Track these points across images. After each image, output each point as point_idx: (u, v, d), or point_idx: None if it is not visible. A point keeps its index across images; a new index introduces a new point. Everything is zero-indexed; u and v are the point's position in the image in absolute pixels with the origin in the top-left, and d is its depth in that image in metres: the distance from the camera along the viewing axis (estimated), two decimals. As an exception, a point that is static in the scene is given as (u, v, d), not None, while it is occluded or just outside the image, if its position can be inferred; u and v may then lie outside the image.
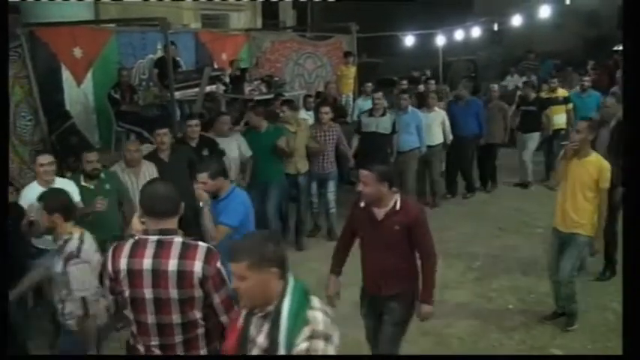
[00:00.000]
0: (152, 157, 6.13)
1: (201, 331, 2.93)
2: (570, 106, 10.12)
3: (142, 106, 8.34)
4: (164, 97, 8.49)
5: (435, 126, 8.94)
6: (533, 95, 10.02)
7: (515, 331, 5.37)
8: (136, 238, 2.90)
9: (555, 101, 10.10)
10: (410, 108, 8.76)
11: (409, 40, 14.48)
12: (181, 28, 10.25)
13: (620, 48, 17.84)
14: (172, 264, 2.80)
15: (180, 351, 2.89)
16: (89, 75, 7.99)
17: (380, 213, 3.89)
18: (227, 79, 10.15)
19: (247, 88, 9.85)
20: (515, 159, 10.30)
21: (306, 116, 9.25)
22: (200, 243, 2.92)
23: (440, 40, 14.05)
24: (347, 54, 12.37)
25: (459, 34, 14.23)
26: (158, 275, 2.80)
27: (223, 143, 6.84)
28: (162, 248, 2.83)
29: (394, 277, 3.96)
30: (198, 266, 2.81)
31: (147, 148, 6.67)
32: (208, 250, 2.88)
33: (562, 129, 10.11)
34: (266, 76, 10.79)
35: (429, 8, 20.17)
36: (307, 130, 7.78)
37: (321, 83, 12.66)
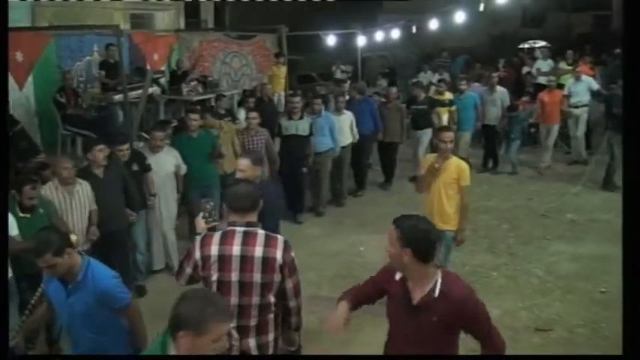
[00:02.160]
0: (86, 172, 5.80)
1: (271, 315, 3.35)
2: (453, 107, 10.71)
3: (86, 109, 8.40)
4: (106, 99, 8.58)
5: (345, 127, 9.18)
6: (422, 95, 10.46)
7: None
8: (226, 229, 3.34)
9: (442, 103, 10.67)
10: (323, 112, 8.94)
11: (330, 40, 14.97)
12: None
13: (525, 46, 19.23)
14: (258, 251, 3.25)
15: (252, 334, 3.31)
16: (30, 78, 8.00)
17: (416, 294, 2.88)
18: (163, 81, 10.34)
19: (185, 89, 10.07)
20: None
21: (244, 116, 9.47)
22: (278, 235, 3.43)
23: (360, 40, 14.61)
24: (277, 54, 12.73)
25: (378, 35, 14.85)
26: (245, 261, 3.24)
27: (158, 159, 6.75)
28: (248, 238, 3.29)
29: None
30: (279, 254, 3.28)
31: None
32: (285, 241, 3.37)
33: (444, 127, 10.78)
34: (201, 76, 11.02)
35: (343, 7, 20.82)
36: (232, 131, 7.92)
37: (246, 81, 12.95)
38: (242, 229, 3.31)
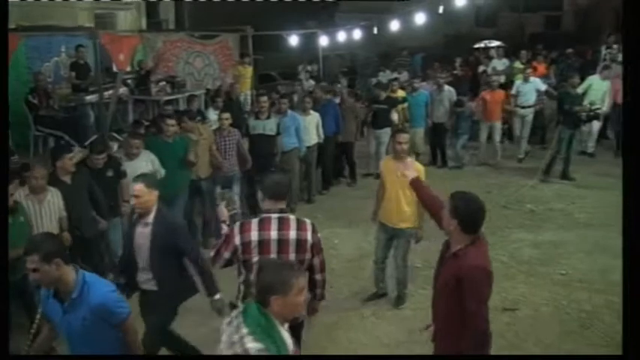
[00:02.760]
0: (53, 179, 5.72)
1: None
2: (405, 105, 11.12)
3: (58, 110, 8.43)
4: (78, 100, 8.63)
5: (311, 128, 9.33)
6: (383, 95, 10.62)
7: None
8: (262, 216, 3.74)
9: (395, 101, 10.98)
10: (289, 111, 9.04)
11: (291, 39, 15.20)
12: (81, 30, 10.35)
13: (481, 45, 19.79)
14: (292, 234, 3.71)
15: None
16: (0, 79, 8.01)
17: (449, 252, 3.47)
18: (129, 81, 10.41)
19: (154, 89, 10.16)
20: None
21: (214, 116, 9.58)
22: (306, 219, 3.88)
23: (322, 40, 14.86)
24: (243, 54, 12.88)
25: (339, 35, 15.14)
26: (282, 243, 3.69)
27: (134, 165, 6.67)
28: (282, 223, 3.72)
29: (440, 329, 3.57)
30: (309, 235, 3.78)
31: (79, 152, 6.81)
32: (313, 224, 3.87)
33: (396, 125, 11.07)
34: (168, 76, 11.13)
35: (301, 6, 21.02)
36: (210, 137, 7.89)
37: (209, 81, 13.06)
38: (276, 215, 3.73)
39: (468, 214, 3.33)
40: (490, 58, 15.57)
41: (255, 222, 3.72)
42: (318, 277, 3.97)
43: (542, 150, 11.28)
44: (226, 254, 3.76)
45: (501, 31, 21.94)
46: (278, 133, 8.62)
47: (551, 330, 5.51)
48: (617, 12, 19.46)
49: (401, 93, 11.26)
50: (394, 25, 13.39)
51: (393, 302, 6.14)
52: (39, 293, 3.67)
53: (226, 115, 8.11)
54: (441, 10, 12.30)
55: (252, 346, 2.62)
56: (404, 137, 5.75)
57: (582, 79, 11.15)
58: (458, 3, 11.84)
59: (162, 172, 6.93)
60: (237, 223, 3.80)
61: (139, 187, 4.37)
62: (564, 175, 9.87)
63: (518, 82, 11.59)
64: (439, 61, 16.11)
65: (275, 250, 3.67)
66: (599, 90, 10.74)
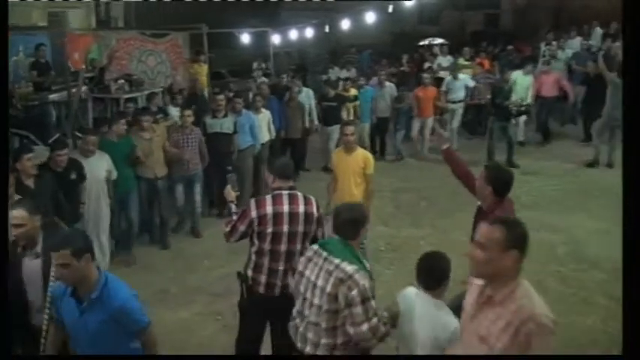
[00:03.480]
0: (17, 184, 5.49)
1: None
2: (357, 102, 11.60)
3: (20, 109, 8.46)
4: (41, 99, 8.67)
5: (263, 125, 9.55)
6: (332, 92, 11.02)
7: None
8: (274, 193, 4.22)
9: (345, 98, 11.41)
10: (243, 110, 9.18)
11: (242, 37, 15.44)
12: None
13: (425, 42, 20.41)
14: (301, 208, 4.20)
15: (291, 271, 4.12)
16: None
17: (483, 213, 4.13)
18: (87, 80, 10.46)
19: (113, 87, 10.25)
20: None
21: (176, 112, 9.79)
22: (311, 196, 4.36)
23: (274, 38, 15.16)
24: (198, 52, 13.02)
25: (287, 32, 15.47)
26: (292, 216, 4.16)
27: (90, 164, 6.70)
28: (292, 198, 4.21)
29: None
30: (315, 209, 4.28)
31: (40, 151, 6.77)
32: (316, 200, 4.38)
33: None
34: (125, 74, 11.21)
35: (246, 5, 21.13)
36: (163, 134, 7.93)
37: (162, 79, 13.13)
38: (286, 192, 4.23)
39: (501, 181, 4.05)
40: (434, 55, 16.20)
41: (269, 198, 4.20)
42: None
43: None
44: (242, 227, 4.18)
45: (444, 29, 22.65)
46: (235, 132, 8.75)
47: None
48: (553, 11, 20.51)
49: (353, 91, 11.68)
50: (345, 24, 13.81)
51: None
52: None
53: (188, 112, 8.21)
54: (390, 9, 12.76)
55: (350, 268, 3.37)
56: (349, 129, 6.33)
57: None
58: (407, 2, 12.34)
59: (115, 173, 7.01)
60: (253, 200, 4.27)
61: (19, 213, 3.84)
62: (509, 163, 10.49)
63: (448, 79, 12.28)
64: (386, 58, 16.65)
65: (287, 222, 4.14)
66: (523, 85, 11.42)
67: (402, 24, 22.45)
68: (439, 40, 19.61)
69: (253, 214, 4.13)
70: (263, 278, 4.21)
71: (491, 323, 2.70)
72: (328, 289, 3.38)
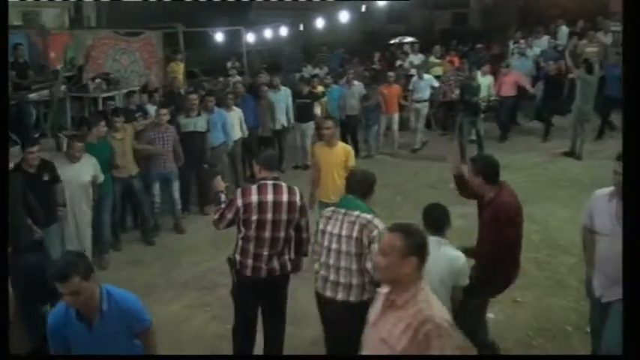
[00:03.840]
0: None
1: (289, 243, 4.62)
2: (325, 99, 11.86)
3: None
4: (21, 99, 8.66)
5: (235, 123, 9.66)
6: (306, 89, 11.31)
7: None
8: (260, 183, 4.48)
9: (317, 95, 11.70)
10: (215, 108, 9.32)
11: (216, 36, 15.54)
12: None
13: (396, 41, 20.70)
14: (285, 197, 4.47)
15: (276, 257, 4.51)
16: None
17: (484, 202, 4.45)
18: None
19: (91, 86, 10.29)
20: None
21: (153, 111, 9.70)
22: (295, 186, 4.62)
23: (243, 37, 15.28)
24: (175, 51, 13.10)
25: (259, 31, 15.61)
26: (276, 205, 4.42)
27: (75, 169, 6.73)
28: (276, 188, 4.48)
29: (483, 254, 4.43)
30: (298, 199, 4.56)
31: (15, 152, 6.75)
32: (300, 191, 4.63)
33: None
34: (102, 73, 11.25)
35: (215, 4, 21.13)
36: (132, 133, 8.01)
37: (135, 78, 13.20)
38: (271, 182, 4.50)
39: (489, 169, 4.30)
40: (405, 53, 16.49)
41: (254, 188, 4.48)
42: (304, 235, 4.75)
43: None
44: (229, 215, 4.46)
45: (412, 27, 22.97)
46: (208, 130, 8.91)
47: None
48: (520, 10, 20.99)
49: (320, 88, 11.95)
50: (319, 23, 14.01)
51: None
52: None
53: (164, 110, 8.33)
54: (363, 8, 13.01)
55: (369, 216, 4.08)
56: (327, 123, 6.57)
57: (494, 73, 12.47)
58: (377, 2, 12.59)
59: (102, 177, 7.04)
60: (239, 189, 4.54)
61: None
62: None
63: (414, 78, 12.60)
64: (358, 57, 16.90)
65: (271, 210, 4.40)
66: (484, 84, 11.87)
67: (372, 23, 22.72)
68: (409, 39, 19.89)
69: (239, 202, 4.42)
70: (249, 262, 4.50)
71: (393, 326, 2.81)
72: (355, 234, 4.03)
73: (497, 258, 4.25)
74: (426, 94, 12.36)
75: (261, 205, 4.39)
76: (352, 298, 4.05)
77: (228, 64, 16.00)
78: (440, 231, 4.17)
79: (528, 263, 6.86)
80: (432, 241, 3.57)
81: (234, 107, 9.75)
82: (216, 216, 4.54)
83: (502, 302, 5.97)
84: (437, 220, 4.21)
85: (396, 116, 12.07)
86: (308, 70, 16.11)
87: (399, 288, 2.84)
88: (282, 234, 4.49)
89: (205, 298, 6.49)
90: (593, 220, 4.06)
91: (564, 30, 15.78)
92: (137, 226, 8.47)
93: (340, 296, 4.08)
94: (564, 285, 6.37)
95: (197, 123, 8.76)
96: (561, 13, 17.23)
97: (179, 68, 13.13)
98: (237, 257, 4.54)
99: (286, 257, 4.62)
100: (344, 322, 3.98)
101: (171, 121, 8.50)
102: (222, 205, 4.56)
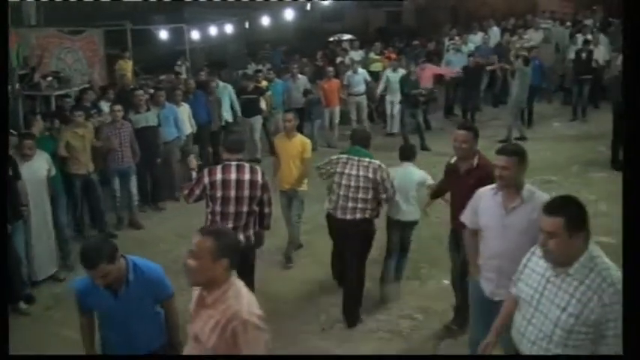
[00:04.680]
0: None
1: (252, 218, 5.18)
2: (270, 93, 12.18)
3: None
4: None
5: (185, 118, 9.85)
6: (252, 85, 11.62)
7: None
8: (224, 163, 5.03)
9: (263, 90, 12.01)
10: (166, 103, 9.48)
11: (158, 34, 15.64)
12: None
13: (335, 38, 21.21)
14: (247, 176, 5.02)
15: (241, 230, 5.03)
16: None
17: (463, 169, 4.95)
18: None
19: (43, 85, 10.30)
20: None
21: (107, 108, 9.88)
22: (257, 166, 5.28)
23: (194, 34, 15.46)
24: (124, 49, 13.13)
25: (203, 28, 15.82)
26: (239, 183, 4.98)
27: (30, 167, 6.64)
28: (239, 168, 5.02)
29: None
30: (259, 177, 5.11)
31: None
32: (262, 170, 5.23)
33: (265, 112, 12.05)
34: (53, 72, 11.24)
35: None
36: (92, 132, 8.13)
37: (78, 77, 13.14)
38: (234, 163, 5.04)
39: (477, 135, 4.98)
40: (345, 50, 17.04)
41: (219, 167, 5.04)
42: (266, 210, 5.33)
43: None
44: (197, 191, 5.04)
45: (348, 25, 23.49)
46: (159, 125, 9.10)
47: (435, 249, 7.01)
48: (452, 9, 21.90)
49: (264, 83, 12.28)
50: (264, 20, 14.35)
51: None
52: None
53: (118, 107, 8.45)
54: (309, 7, 13.44)
55: (378, 161, 5.59)
56: (288, 116, 7.07)
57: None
58: (324, 2, 13.04)
59: (54, 169, 7.04)
60: (206, 169, 5.12)
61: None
62: (423, 147, 11.45)
63: (348, 73, 13.13)
64: (299, 54, 17.33)
65: (234, 187, 4.96)
66: (394, 81, 12.64)
67: (309, 21, 23.11)
68: (347, 36, 20.46)
69: (206, 180, 4.99)
70: None
71: (204, 324, 2.87)
72: (370, 175, 5.46)
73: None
74: (362, 87, 12.92)
75: (225, 183, 4.93)
76: (358, 216, 5.52)
77: (178, 62, 16.11)
78: (411, 159, 6.27)
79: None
80: (407, 165, 6.22)
81: (182, 103, 9.93)
82: (186, 191, 5.12)
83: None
84: (407, 153, 6.32)
85: (337, 110, 12.61)
86: (252, 68, 16.31)
87: (209, 287, 2.90)
88: (244, 209, 5.02)
89: (179, 281, 6.76)
90: (480, 218, 4.17)
91: (495, 30, 16.61)
92: (95, 224, 8.48)
93: (352, 217, 5.53)
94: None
95: (148, 118, 8.94)
96: (491, 12, 18.13)
97: (127, 66, 13.22)
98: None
99: (250, 231, 5.17)
100: (351, 232, 5.59)
101: (124, 118, 8.62)
102: (192, 182, 5.16)
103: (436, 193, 5.80)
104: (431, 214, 6.47)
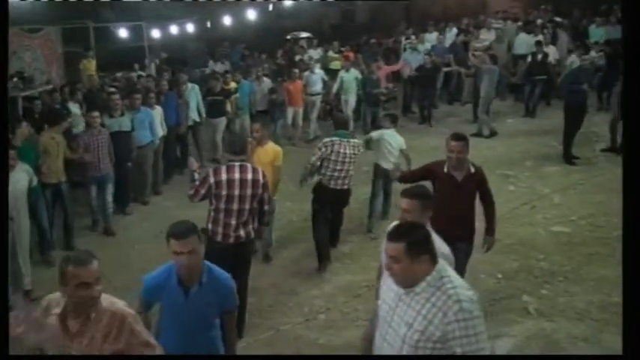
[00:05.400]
0: None
1: (253, 214, 5.46)
2: (237, 95, 12.34)
3: None
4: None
5: (158, 121, 9.77)
6: (219, 86, 11.66)
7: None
8: (228, 164, 5.34)
9: (229, 92, 12.16)
10: (141, 107, 9.38)
11: (122, 32, 15.64)
12: None
13: (291, 36, 21.40)
14: (249, 176, 5.32)
15: (243, 226, 5.33)
16: None
17: (459, 177, 5.21)
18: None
19: (10, 86, 10.24)
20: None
21: (77, 110, 10.10)
22: (259, 167, 5.56)
23: (155, 33, 15.51)
24: (87, 48, 13.11)
25: (173, 28, 15.90)
26: (242, 181, 5.27)
27: (13, 177, 6.36)
28: (242, 168, 5.32)
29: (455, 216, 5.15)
30: (260, 176, 5.41)
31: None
32: (262, 171, 5.50)
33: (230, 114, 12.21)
34: (16, 72, 11.19)
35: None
36: (62, 139, 7.90)
37: (37, 76, 13.06)
38: (238, 164, 5.34)
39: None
40: (302, 47, 17.31)
41: (224, 167, 5.32)
42: (266, 207, 5.65)
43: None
44: (202, 191, 5.29)
45: (304, 22, 23.72)
46: (132, 129, 9.00)
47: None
48: (405, 8, 22.39)
49: (233, 84, 12.40)
50: (226, 20, 14.51)
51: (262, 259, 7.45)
52: None
53: (95, 113, 8.30)
54: (270, 7, 13.69)
55: (359, 140, 7.47)
56: (255, 127, 6.92)
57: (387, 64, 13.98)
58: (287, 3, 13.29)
59: (35, 179, 6.92)
60: (211, 169, 5.40)
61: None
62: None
63: (306, 73, 13.46)
64: (259, 52, 17.54)
65: (238, 186, 5.25)
66: (349, 81, 13.15)
67: (265, 18, 23.24)
68: (304, 34, 20.73)
69: (211, 180, 5.23)
70: (220, 230, 5.34)
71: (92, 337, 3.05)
72: (356, 152, 7.07)
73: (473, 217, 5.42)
74: (319, 87, 13.32)
75: (230, 182, 5.22)
76: (346, 186, 7.09)
77: (146, 61, 16.08)
78: (394, 124, 8.20)
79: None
80: (392, 130, 8.08)
81: (155, 106, 9.83)
82: (191, 192, 5.34)
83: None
84: (394, 118, 8.36)
85: (300, 110, 12.97)
86: (211, 66, 16.39)
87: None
88: (247, 206, 5.31)
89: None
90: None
91: (454, 30, 17.06)
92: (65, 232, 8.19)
93: (343, 186, 7.06)
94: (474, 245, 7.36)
95: (122, 123, 8.84)
96: (443, 10, 18.65)
97: (91, 65, 13.21)
98: (210, 226, 5.34)
99: (250, 227, 5.44)
100: (343, 198, 7.19)
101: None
102: (196, 183, 5.35)
103: (406, 180, 5.77)
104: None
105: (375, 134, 8.12)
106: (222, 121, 11.61)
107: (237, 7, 14.13)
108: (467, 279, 6.32)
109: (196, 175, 5.48)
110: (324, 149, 6.98)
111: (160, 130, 9.87)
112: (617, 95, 10.49)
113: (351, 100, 13.18)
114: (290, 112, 12.81)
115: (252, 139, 6.70)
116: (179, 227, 3.55)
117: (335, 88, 13.32)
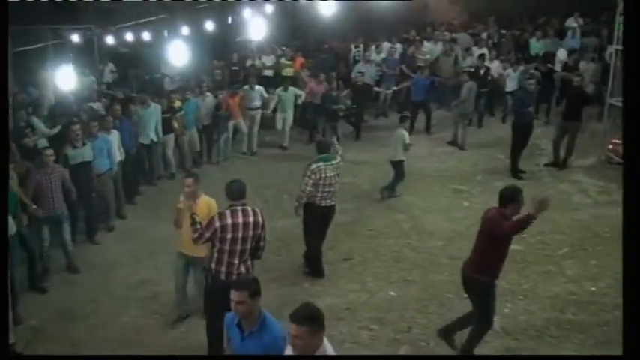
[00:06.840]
0: None
1: (250, 252, 5.81)
2: (182, 113, 12.11)
3: None
4: None
5: (115, 146, 9.64)
6: (166, 104, 11.73)
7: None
8: (231, 209, 5.62)
9: (175, 110, 11.93)
10: (99, 134, 9.25)
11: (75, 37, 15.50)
12: None
13: (240, 39, 21.39)
14: (251, 219, 5.69)
15: (244, 263, 5.72)
16: None
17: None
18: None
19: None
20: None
21: (42, 125, 10.12)
22: (257, 209, 5.83)
23: (109, 39, 15.45)
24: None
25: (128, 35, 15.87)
26: (245, 224, 5.65)
27: None
28: (244, 212, 5.68)
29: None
30: (260, 219, 5.79)
31: None
32: (261, 213, 5.83)
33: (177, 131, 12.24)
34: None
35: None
36: (16, 179, 7.55)
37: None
38: (240, 208, 5.68)
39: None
40: (252, 51, 17.46)
41: (228, 212, 5.64)
42: (262, 243, 5.97)
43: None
44: (207, 234, 5.66)
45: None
46: (94, 158, 8.92)
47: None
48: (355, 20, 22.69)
49: (178, 103, 12.19)
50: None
51: None
52: None
53: (50, 151, 7.98)
54: (230, 20, 13.89)
55: (339, 159, 7.96)
56: (188, 182, 6.41)
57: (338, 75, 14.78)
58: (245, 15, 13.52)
59: (14, 228, 6.74)
60: (216, 214, 5.75)
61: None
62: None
63: (245, 87, 13.69)
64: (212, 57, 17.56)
65: (241, 229, 5.64)
66: (287, 99, 13.83)
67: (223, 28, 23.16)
68: (253, 38, 20.80)
69: (217, 224, 5.60)
70: (223, 269, 5.72)
71: None
72: (338, 172, 7.78)
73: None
74: (257, 102, 13.58)
75: (234, 226, 5.59)
76: (333, 203, 7.81)
77: (100, 66, 15.92)
78: (403, 124, 10.30)
79: (405, 248, 8.49)
80: (402, 129, 10.30)
81: (112, 130, 9.68)
82: (196, 235, 5.71)
83: (396, 282, 7.56)
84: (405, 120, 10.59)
85: (240, 121, 13.27)
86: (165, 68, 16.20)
87: None
88: (248, 246, 5.73)
89: (151, 306, 7.29)
90: None
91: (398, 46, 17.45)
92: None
93: (332, 203, 7.78)
94: (438, 263, 8.05)
95: (84, 153, 8.73)
96: (391, 24, 19.04)
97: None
98: (213, 265, 5.75)
99: (249, 262, 5.86)
100: (332, 213, 7.90)
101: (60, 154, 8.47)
102: (198, 227, 5.72)
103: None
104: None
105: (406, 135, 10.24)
106: (170, 138, 11.84)
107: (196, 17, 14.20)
108: (435, 299, 7.02)
109: (197, 218, 5.82)
110: (314, 177, 7.49)
111: (118, 155, 9.77)
112: (558, 115, 11.35)
113: (288, 118, 13.94)
114: (230, 125, 13.09)
115: (183, 194, 6.40)
116: (238, 281, 4.33)
117: (271, 106, 13.87)
